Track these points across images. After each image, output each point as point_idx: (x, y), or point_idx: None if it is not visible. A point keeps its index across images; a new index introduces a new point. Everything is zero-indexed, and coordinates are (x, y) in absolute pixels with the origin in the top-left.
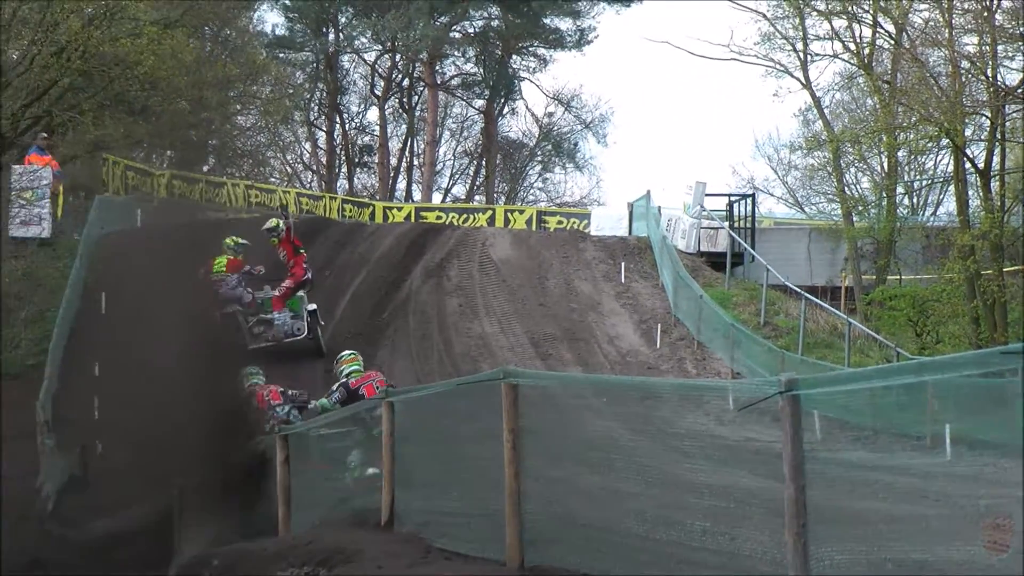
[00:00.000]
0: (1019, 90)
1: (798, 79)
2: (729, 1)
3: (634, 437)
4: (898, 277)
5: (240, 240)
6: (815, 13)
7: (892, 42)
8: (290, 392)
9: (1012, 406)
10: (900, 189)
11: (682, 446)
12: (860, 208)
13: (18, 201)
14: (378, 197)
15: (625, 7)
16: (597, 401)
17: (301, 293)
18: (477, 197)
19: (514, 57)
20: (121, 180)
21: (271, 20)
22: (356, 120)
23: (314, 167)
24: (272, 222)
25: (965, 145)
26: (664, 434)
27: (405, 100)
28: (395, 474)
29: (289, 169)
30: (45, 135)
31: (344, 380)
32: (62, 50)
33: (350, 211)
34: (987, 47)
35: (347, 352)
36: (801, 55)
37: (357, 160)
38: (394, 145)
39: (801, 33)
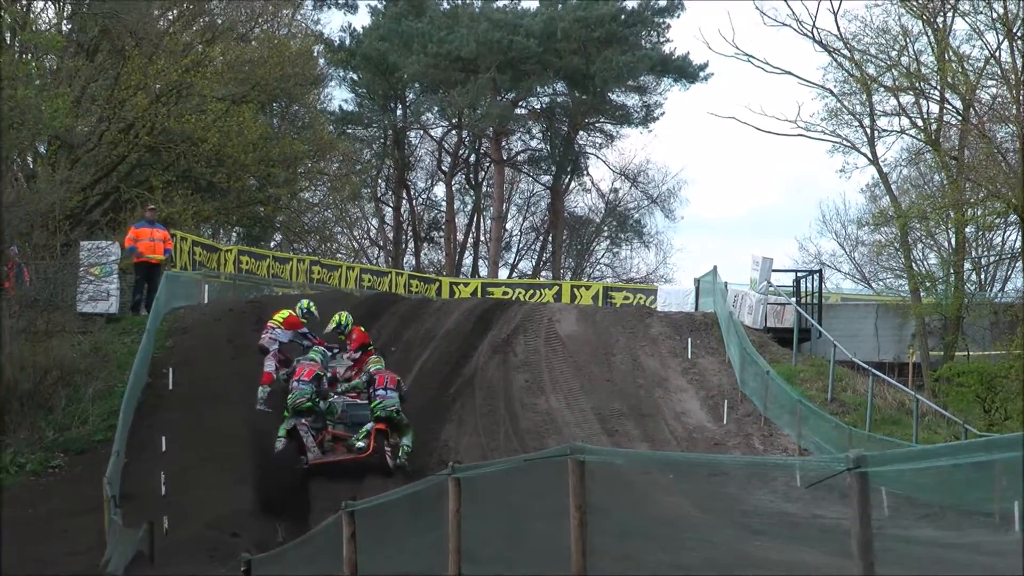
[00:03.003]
0: None
1: (865, 155)
2: (797, 77)
3: (702, 514)
4: (966, 353)
5: (312, 308)
6: (882, 89)
7: (960, 118)
8: (324, 380)
9: None
10: (968, 265)
11: (750, 523)
12: (928, 284)
13: (87, 277)
14: (444, 272)
15: (688, 85)
16: (664, 478)
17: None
18: (544, 273)
19: (580, 133)
20: (188, 256)
21: (339, 96)
22: (423, 196)
23: (381, 243)
24: (336, 319)
25: None
26: (732, 510)
27: (471, 176)
28: (461, 550)
29: (356, 245)
30: (152, 207)
31: (371, 371)
32: (130, 126)
33: (417, 286)
34: None
35: (374, 357)
36: (868, 131)
37: (424, 235)
38: (460, 220)
39: (868, 109)
